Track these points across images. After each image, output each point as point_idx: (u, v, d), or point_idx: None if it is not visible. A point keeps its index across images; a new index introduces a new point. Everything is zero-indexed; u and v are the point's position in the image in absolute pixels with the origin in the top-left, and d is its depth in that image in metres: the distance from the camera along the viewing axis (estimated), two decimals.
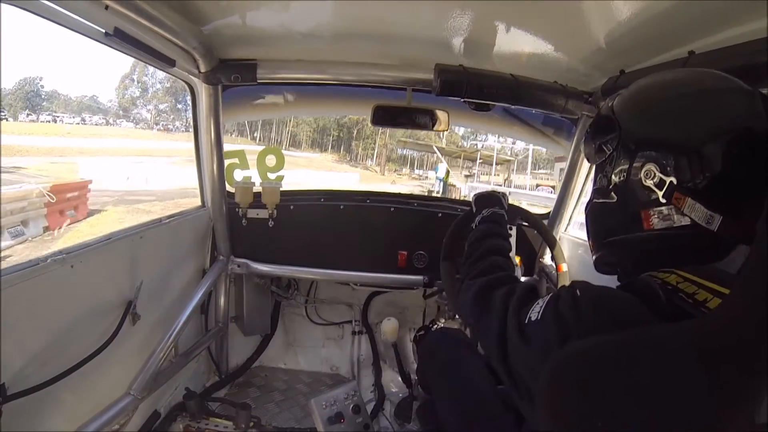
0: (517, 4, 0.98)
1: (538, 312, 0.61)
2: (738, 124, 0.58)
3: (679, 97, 0.63)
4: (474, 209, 1.21)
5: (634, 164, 0.63)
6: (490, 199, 1.21)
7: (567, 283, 1.49)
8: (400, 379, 1.95)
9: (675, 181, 0.59)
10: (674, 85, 0.66)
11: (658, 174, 0.60)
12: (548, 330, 0.57)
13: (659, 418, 0.42)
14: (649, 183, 0.61)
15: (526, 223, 1.63)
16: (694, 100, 0.62)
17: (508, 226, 1.35)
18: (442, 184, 17.97)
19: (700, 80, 0.65)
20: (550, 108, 1.43)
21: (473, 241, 1.01)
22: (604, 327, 0.51)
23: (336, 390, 1.50)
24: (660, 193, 0.60)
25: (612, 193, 0.68)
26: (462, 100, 1.36)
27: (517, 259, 1.64)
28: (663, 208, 0.61)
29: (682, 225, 0.59)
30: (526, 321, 0.62)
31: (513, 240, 1.42)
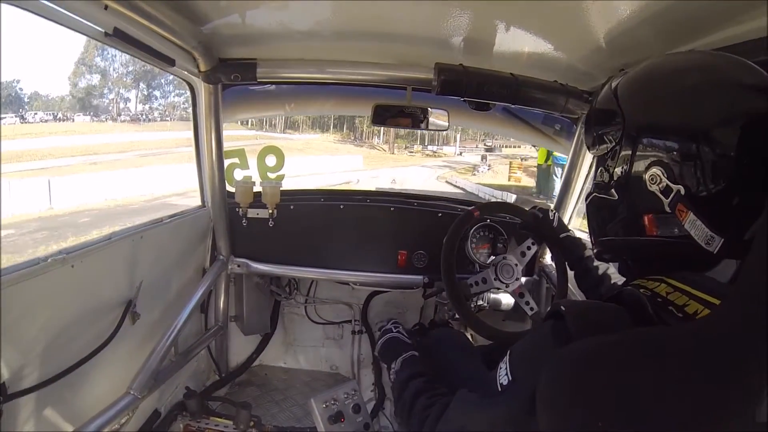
0: (517, 3, 0.98)
1: (506, 375, 0.59)
2: (759, 119, 0.51)
3: (697, 83, 0.56)
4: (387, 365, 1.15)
5: (640, 163, 0.58)
6: (391, 349, 1.15)
7: (566, 274, 1.49)
8: None
9: (682, 191, 0.54)
10: (691, 70, 0.59)
11: (664, 180, 0.55)
12: (526, 377, 0.56)
13: (658, 419, 0.42)
14: (654, 188, 0.56)
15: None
16: (713, 88, 0.55)
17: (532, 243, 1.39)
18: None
19: (719, 66, 0.58)
20: (550, 107, 1.43)
21: (396, 397, 0.98)
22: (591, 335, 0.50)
23: (336, 389, 1.49)
24: (666, 201, 0.55)
25: (613, 189, 0.63)
26: (462, 99, 1.36)
27: None
28: (666, 216, 0.56)
29: (682, 235, 0.55)
30: (499, 389, 0.59)
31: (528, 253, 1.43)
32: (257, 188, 1.70)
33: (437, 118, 1.50)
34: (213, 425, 1.47)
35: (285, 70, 1.45)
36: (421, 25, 1.17)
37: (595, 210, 0.69)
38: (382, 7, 1.07)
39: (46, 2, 0.82)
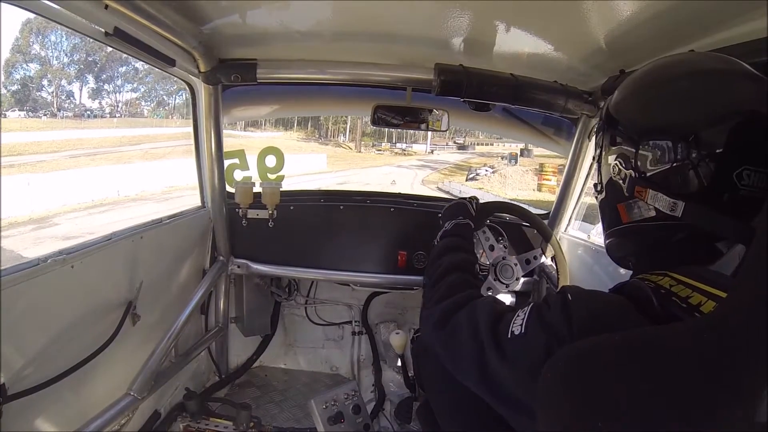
0: (517, 3, 0.98)
1: (521, 325, 0.59)
2: (702, 96, 0.57)
3: (663, 84, 0.63)
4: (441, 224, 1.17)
5: (610, 159, 0.65)
6: (454, 210, 1.17)
7: (567, 281, 1.49)
8: (400, 379, 1.94)
9: (634, 174, 0.60)
10: (660, 74, 0.65)
11: (622, 169, 0.62)
12: (535, 342, 0.55)
13: (659, 419, 0.42)
14: (617, 179, 0.64)
15: (527, 224, 1.63)
16: (673, 87, 0.61)
17: (484, 230, 1.36)
18: None
19: (693, 64, 0.63)
20: (550, 108, 1.43)
21: (432, 260, 0.98)
22: (596, 331, 0.50)
23: (336, 390, 1.50)
24: (624, 187, 0.62)
25: (602, 188, 0.70)
26: (462, 99, 1.36)
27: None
28: (631, 201, 0.63)
29: (651, 216, 0.60)
30: (508, 336, 0.60)
31: (499, 244, 1.42)
32: (257, 189, 1.70)
33: (437, 118, 1.50)
34: (213, 426, 1.47)
35: (285, 71, 1.45)
36: (421, 26, 1.17)
37: (599, 211, 0.75)
38: (382, 8, 1.07)
39: (47, 2, 0.82)
